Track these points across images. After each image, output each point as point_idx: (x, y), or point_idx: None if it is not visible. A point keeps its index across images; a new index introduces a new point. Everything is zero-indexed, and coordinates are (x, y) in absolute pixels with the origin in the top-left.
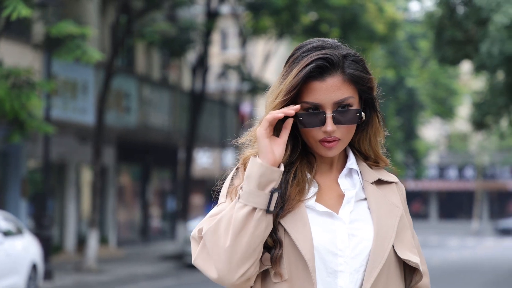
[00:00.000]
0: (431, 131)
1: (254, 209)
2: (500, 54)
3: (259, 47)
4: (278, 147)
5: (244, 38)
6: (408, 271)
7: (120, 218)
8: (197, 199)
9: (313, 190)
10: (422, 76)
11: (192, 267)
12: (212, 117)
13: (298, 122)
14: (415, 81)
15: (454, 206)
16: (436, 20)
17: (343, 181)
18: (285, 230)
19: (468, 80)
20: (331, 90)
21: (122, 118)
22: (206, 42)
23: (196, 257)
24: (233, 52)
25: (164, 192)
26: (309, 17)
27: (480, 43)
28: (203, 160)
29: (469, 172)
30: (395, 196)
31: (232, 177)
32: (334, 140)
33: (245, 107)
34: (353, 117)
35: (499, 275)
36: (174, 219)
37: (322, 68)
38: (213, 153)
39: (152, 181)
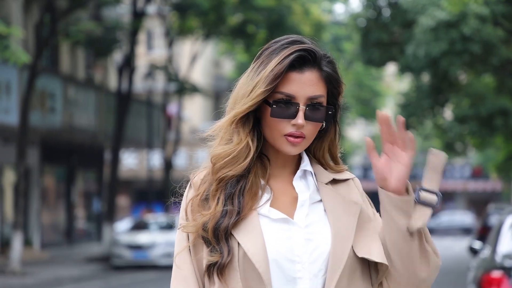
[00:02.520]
0: (355, 132)
1: None
2: (426, 57)
3: (185, 48)
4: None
5: (171, 38)
6: (376, 264)
7: (44, 220)
8: (123, 201)
9: (266, 196)
10: (347, 77)
11: (119, 269)
12: (138, 117)
13: (270, 111)
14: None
15: (378, 206)
16: (362, 22)
17: (298, 183)
18: (238, 243)
19: (392, 82)
20: (307, 84)
21: (46, 119)
22: (133, 42)
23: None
24: (160, 52)
25: (89, 193)
26: (236, 18)
27: (405, 45)
28: (130, 161)
29: None
30: (353, 192)
31: (187, 193)
32: (300, 137)
33: (172, 108)
34: (322, 115)
35: None
36: (100, 220)
37: (304, 60)
38: (140, 154)
39: (77, 182)
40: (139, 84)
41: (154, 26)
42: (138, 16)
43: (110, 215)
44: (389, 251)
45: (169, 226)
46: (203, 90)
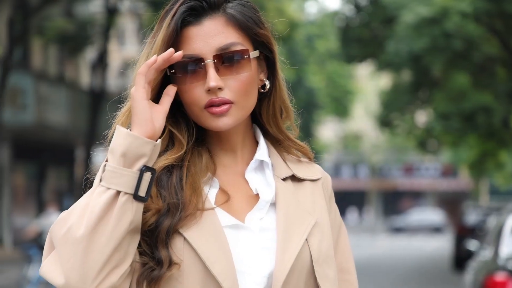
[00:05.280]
0: (327, 131)
1: (118, 193)
2: (408, 53)
3: None
4: (159, 115)
5: (144, 35)
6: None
7: (15, 218)
8: None
9: (212, 192)
10: (320, 76)
11: None
12: (111, 115)
13: (174, 81)
14: (316, 79)
15: (347, 204)
16: (341, 19)
17: (253, 176)
18: (184, 245)
19: (365, 80)
20: (210, 35)
21: (17, 116)
22: (106, 39)
23: (43, 262)
24: (132, 48)
25: (60, 191)
26: None
27: (386, 41)
28: (102, 160)
29: (362, 171)
30: (313, 197)
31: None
32: (224, 103)
33: None
34: (244, 65)
35: (403, 273)
36: None
37: (197, 10)
38: None
39: (48, 180)
40: (112, 81)
41: (125, 22)
42: (111, 12)
43: None
44: None
45: None
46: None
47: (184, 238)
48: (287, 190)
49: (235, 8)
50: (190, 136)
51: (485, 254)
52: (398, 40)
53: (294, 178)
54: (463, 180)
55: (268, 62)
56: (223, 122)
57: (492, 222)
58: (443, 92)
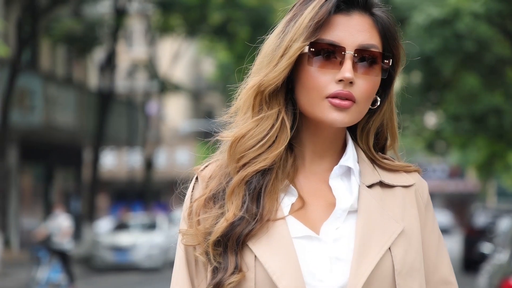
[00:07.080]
0: None
1: None
2: (419, 54)
3: (166, 47)
4: None
5: (152, 36)
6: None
7: (22, 219)
8: (101, 201)
9: (286, 200)
10: None
11: (100, 270)
12: (119, 116)
13: (302, 60)
14: None
15: None
16: None
17: (337, 183)
18: (255, 258)
19: None
20: (357, 29)
21: (25, 117)
22: (114, 40)
23: None
24: (140, 50)
25: (68, 193)
26: (219, 16)
27: None
28: (109, 161)
29: None
30: (403, 205)
31: (192, 189)
32: (348, 99)
33: (152, 107)
34: (375, 68)
35: None
36: (78, 220)
37: (350, 2)
38: (119, 154)
39: (56, 181)
40: (120, 82)
41: (133, 23)
42: (120, 13)
43: (90, 215)
44: None
45: (151, 227)
46: (184, 89)
47: (255, 256)
48: (371, 197)
49: (384, 14)
50: (291, 130)
51: (500, 257)
52: (409, 41)
53: (382, 184)
54: (471, 181)
55: (384, 80)
56: (340, 117)
57: (504, 224)
58: (453, 94)
